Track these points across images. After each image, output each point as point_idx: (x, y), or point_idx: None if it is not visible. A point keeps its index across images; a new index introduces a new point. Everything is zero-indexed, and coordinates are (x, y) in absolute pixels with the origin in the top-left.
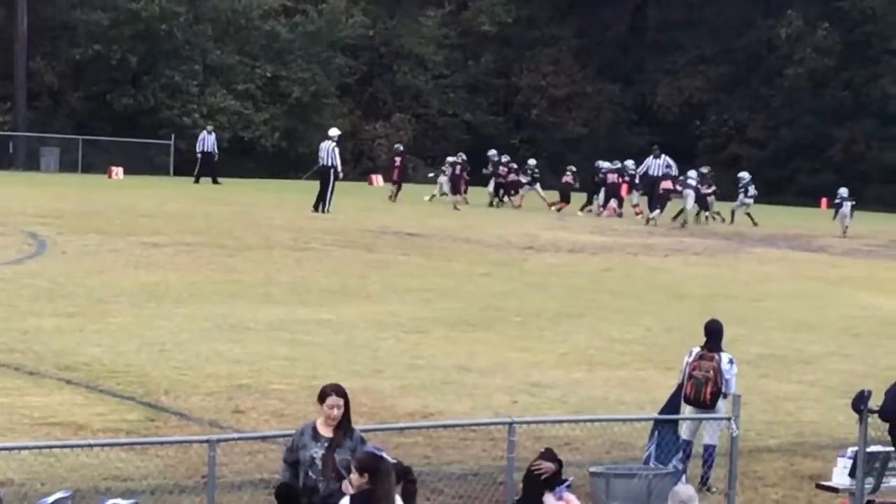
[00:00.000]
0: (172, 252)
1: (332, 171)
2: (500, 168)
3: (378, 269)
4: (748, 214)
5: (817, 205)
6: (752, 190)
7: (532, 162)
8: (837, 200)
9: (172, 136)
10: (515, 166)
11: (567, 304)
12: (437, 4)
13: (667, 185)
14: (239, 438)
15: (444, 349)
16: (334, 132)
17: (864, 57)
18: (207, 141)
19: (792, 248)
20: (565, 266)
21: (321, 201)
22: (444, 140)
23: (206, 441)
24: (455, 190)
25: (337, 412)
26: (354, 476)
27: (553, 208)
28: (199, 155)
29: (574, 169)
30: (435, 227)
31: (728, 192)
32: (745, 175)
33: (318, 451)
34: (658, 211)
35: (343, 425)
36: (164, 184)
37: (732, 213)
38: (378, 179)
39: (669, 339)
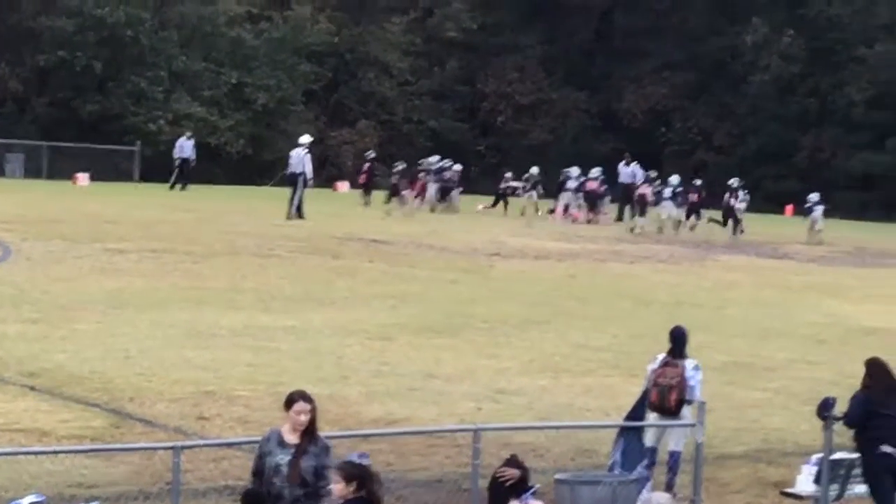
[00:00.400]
0: (137, 259)
1: (301, 177)
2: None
3: (343, 276)
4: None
5: (783, 212)
6: (742, 195)
7: (535, 170)
8: (808, 205)
9: (138, 143)
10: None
11: (533, 311)
12: (403, 11)
13: (643, 191)
14: (204, 445)
15: (410, 356)
16: (305, 139)
17: (830, 64)
18: (185, 147)
19: (758, 256)
20: (532, 273)
21: (291, 206)
22: (410, 146)
23: (171, 448)
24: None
25: (304, 418)
26: (340, 486)
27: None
28: (177, 161)
29: (510, 174)
30: (400, 233)
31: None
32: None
33: (283, 458)
34: (641, 218)
35: (309, 431)
36: (129, 190)
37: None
38: (343, 186)
39: (635, 345)
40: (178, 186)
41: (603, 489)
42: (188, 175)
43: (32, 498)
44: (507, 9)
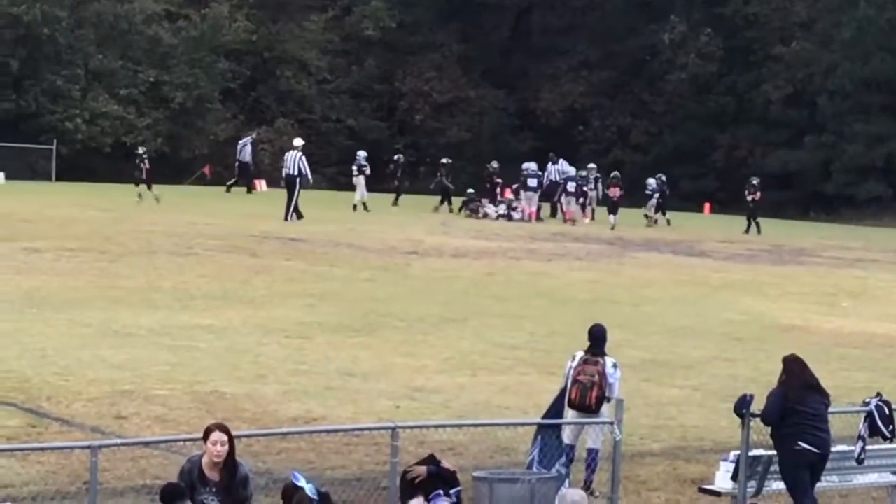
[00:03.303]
0: (53, 258)
1: (297, 179)
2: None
3: (261, 275)
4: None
5: (700, 210)
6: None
7: (530, 165)
8: (648, 191)
9: (55, 142)
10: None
11: (450, 309)
12: (321, 9)
13: (614, 192)
14: (121, 444)
15: (327, 354)
16: (298, 142)
17: (747, 62)
18: (245, 150)
19: (674, 253)
20: (449, 271)
21: (288, 210)
22: (329, 145)
23: (88, 447)
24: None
25: (221, 448)
26: None
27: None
28: (237, 163)
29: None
30: (318, 232)
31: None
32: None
33: (207, 498)
34: (614, 216)
35: (227, 464)
36: (45, 189)
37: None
38: (261, 184)
39: (552, 343)
40: (239, 187)
41: (521, 487)
42: (240, 177)
43: None
44: (425, 7)
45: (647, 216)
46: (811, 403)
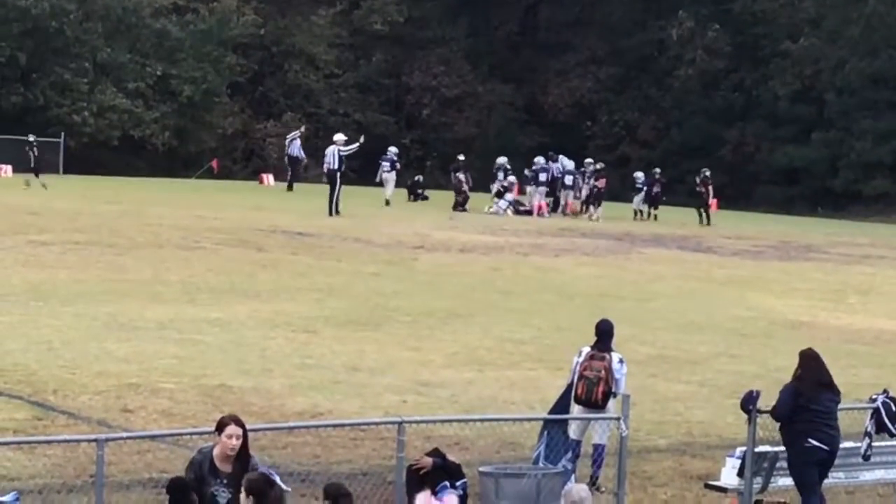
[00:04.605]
0: (61, 251)
1: (338, 174)
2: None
3: (267, 269)
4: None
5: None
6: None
7: (540, 160)
8: (638, 185)
9: (62, 135)
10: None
11: (457, 304)
12: (329, 3)
13: (600, 183)
14: (127, 437)
15: (334, 348)
16: (339, 137)
17: (755, 58)
18: (293, 145)
19: (681, 249)
20: (456, 266)
21: (331, 204)
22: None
23: (95, 440)
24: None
25: (236, 442)
26: (242, 496)
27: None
28: (286, 158)
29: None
30: (324, 226)
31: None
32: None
33: (218, 490)
34: (598, 209)
35: (241, 457)
36: (53, 182)
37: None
38: (269, 178)
39: (559, 338)
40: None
41: (527, 482)
42: (296, 175)
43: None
44: (433, 2)
45: (635, 210)
46: (823, 401)
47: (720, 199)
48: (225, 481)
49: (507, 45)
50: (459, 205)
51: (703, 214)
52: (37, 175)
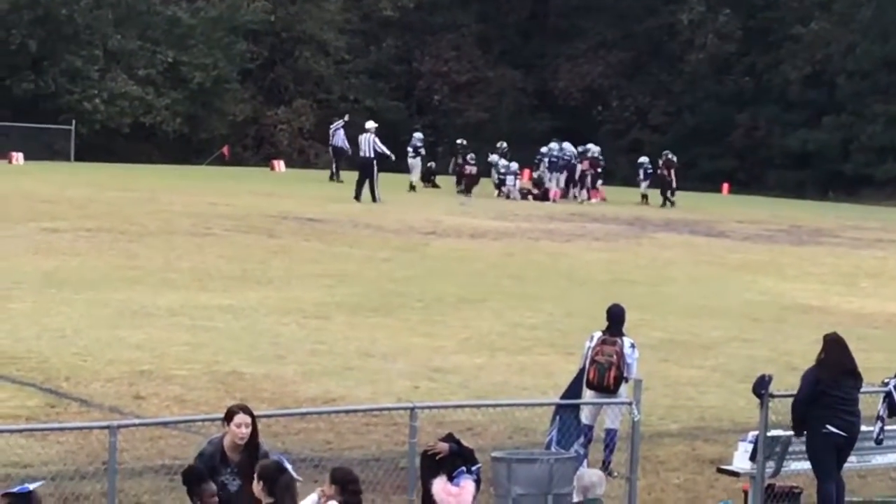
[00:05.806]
0: (73, 238)
1: (373, 161)
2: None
3: (279, 255)
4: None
5: (718, 190)
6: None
7: (554, 145)
8: (647, 169)
9: (73, 122)
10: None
11: (469, 290)
12: None
13: (584, 166)
14: (140, 424)
15: (346, 335)
16: (371, 125)
17: (766, 43)
18: (337, 135)
19: (693, 233)
20: (467, 251)
21: (360, 190)
22: (347, 126)
23: (107, 427)
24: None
25: (245, 430)
26: (255, 483)
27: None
28: (330, 149)
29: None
30: (336, 212)
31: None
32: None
33: (228, 478)
34: (582, 191)
35: (250, 445)
36: (64, 169)
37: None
38: (280, 165)
39: (571, 324)
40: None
41: (539, 467)
42: (339, 166)
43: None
44: None
45: (643, 195)
46: (844, 387)
47: (731, 184)
48: (235, 470)
49: (517, 30)
50: (465, 190)
51: (667, 198)
52: None
